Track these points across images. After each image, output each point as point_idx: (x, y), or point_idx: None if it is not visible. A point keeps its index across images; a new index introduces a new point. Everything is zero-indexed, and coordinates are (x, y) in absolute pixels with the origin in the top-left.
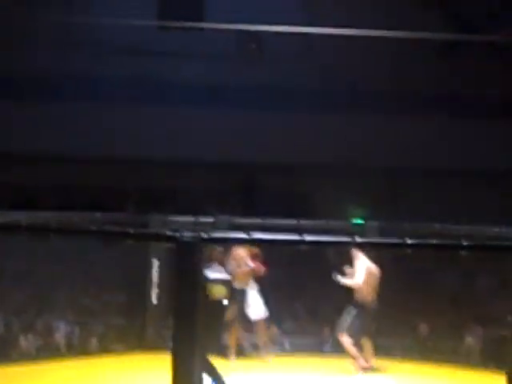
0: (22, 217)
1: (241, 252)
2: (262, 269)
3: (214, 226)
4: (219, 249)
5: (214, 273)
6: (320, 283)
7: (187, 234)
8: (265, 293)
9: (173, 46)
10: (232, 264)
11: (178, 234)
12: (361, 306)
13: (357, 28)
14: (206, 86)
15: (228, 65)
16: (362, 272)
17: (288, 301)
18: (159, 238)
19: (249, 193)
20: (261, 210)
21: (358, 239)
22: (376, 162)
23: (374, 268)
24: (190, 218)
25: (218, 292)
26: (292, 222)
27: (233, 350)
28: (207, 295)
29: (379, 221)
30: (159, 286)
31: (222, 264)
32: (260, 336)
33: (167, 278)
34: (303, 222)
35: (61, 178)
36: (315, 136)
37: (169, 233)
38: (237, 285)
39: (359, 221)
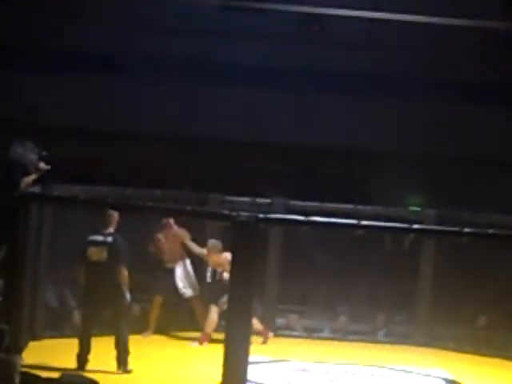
0: (80, 191)
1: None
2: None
3: (271, 208)
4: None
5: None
6: (375, 270)
7: (243, 214)
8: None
9: (235, 27)
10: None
11: (234, 214)
12: None
13: (420, 14)
14: (268, 68)
15: (290, 47)
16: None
17: (342, 287)
18: (216, 216)
19: (307, 177)
20: (318, 195)
21: (415, 226)
22: (437, 149)
23: None
24: (246, 199)
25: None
26: (349, 207)
27: (150, 325)
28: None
29: (438, 209)
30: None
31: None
32: (197, 313)
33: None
34: (360, 208)
35: (121, 154)
36: (377, 122)
37: (226, 212)
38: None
39: (417, 208)
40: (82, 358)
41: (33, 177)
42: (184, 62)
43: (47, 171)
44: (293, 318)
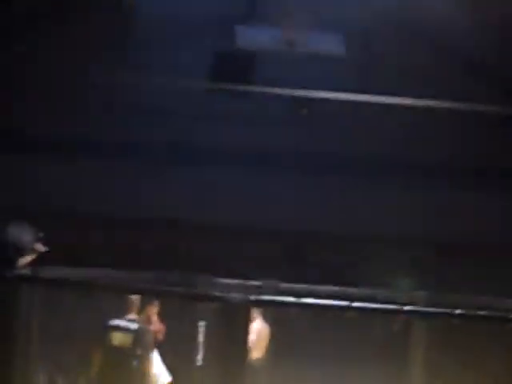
0: (69, 274)
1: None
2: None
3: (262, 290)
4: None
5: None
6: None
7: (236, 296)
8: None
9: (221, 109)
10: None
11: (226, 295)
12: None
13: (408, 97)
14: (255, 151)
15: (277, 130)
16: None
17: (333, 371)
18: (207, 298)
19: (297, 260)
20: (309, 277)
21: (406, 308)
22: (426, 233)
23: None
24: (237, 281)
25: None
26: (339, 289)
27: None
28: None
29: (428, 291)
30: (205, 346)
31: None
32: None
33: (213, 339)
34: (351, 290)
35: (111, 238)
36: (366, 206)
37: (217, 294)
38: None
39: (407, 290)
40: None
41: (28, 258)
42: (169, 146)
43: (43, 253)
44: None
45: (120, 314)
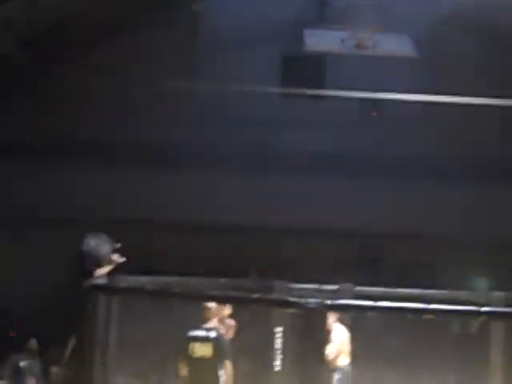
0: (146, 282)
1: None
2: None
3: (338, 294)
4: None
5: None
6: (444, 355)
7: (312, 301)
8: None
9: (295, 114)
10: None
11: (303, 301)
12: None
13: (475, 96)
14: (326, 155)
15: (349, 132)
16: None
17: (412, 373)
18: (284, 304)
19: (373, 262)
20: (385, 280)
21: (484, 309)
22: (504, 234)
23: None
24: (313, 286)
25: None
26: (415, 291)
27: None
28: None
29: (506, 291)
30: (282, 352)
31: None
32: None
33: (290, 344)
34: (427, 292)
35: (188, 245)
36: (443, 207)
37: (293, 299)
38: None
39: (484, 290)
40: None
41: (105, 269)
42: (245, 151)
43: (121, 263)
44: None
45: (198, 323)
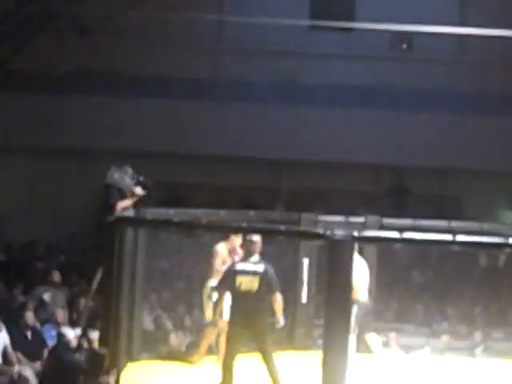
0: (173, 214)
1: (221, 248)
2: None
3: (365, 226)
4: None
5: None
6: (471, 286)
7: (339, 233)
8: None
9: (323, 46)
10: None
11: (329, 232)
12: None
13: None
14: (355, 88)
15: (378, 65)
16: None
17: (439, 303)
18: (311, 235)
19: (400, 195)
20: (412, 212)
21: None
22: None
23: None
24: (340, 218)
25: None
26: (443, 223)
27: (202, 353)
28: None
29: None
30: (309, 284)
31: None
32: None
33: (317, 276)
34: (454, 224)
35: (213, 178)
36: (468, 139)
37: (321, 231)
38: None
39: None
40: None
41: (128, 201)
42: (273, 83)
43: (143, 196)
44: (391, 337)
45: (244, 258)
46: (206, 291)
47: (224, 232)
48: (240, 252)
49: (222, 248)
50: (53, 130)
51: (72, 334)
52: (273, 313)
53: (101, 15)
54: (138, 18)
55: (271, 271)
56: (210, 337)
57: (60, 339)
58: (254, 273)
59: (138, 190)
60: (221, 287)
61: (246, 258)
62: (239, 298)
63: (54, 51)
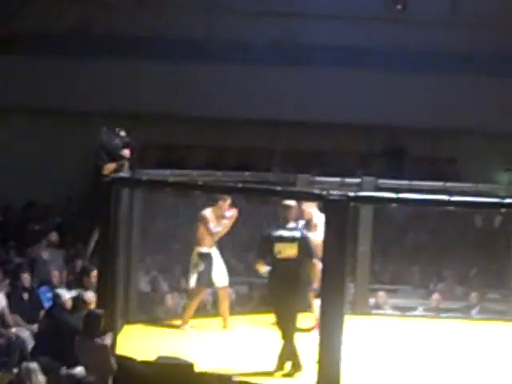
0: (169, 175)
1: (208, 213)
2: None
3: (360, 187)
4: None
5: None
6: (467, 247)
7: (335, 193)
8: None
9: (319, 6)
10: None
11: (325, 193)
12: None
13: None
14: (350, 49)
15: (373, 26)
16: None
17: (434, 264)
18: (307, 196)
19: (395, 156)
20: (407, 174)
21: (507, 200)
22: None
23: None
24: (336, 179)
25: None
26: (438, 184)
27: (186, 321)
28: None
29: None
30: None
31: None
32: (223, 304)
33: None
34: (449, 185)
35: (210, 139)
36: (463, 99)
37: (316, 191)
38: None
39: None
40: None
41: (114, 164)
42: (269, 45)
43: (132, 158)
44: (381, 296)
45: (280, 224)
46: (194, 258)
47: (220, 193)
48: (228, 216)
49: (208, 213)
50: (51, 91)
51: (67, 295)
52: (309, 279)
53: None
54: None
55: (308, 237)
56: (196, 301)
57: (56, 300)
58: (293, 239)
59: (125, 153)
60: (259, 255)
61: (281, 223)
62: (278, 265)
63: (52, 12)
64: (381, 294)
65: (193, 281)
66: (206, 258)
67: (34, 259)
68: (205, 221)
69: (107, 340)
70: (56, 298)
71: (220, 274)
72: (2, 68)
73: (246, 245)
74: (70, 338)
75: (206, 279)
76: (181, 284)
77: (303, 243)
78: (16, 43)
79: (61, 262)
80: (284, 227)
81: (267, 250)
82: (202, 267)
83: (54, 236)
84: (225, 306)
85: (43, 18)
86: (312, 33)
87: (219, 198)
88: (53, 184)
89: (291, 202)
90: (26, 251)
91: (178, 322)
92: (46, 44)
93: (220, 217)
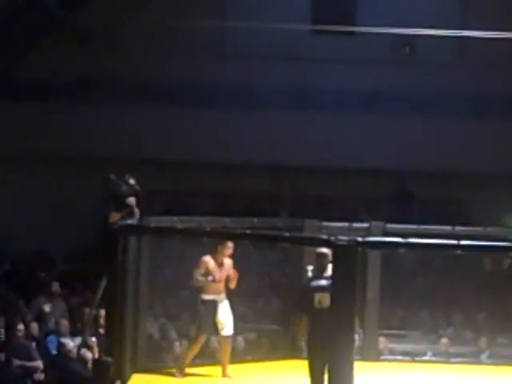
0: (177, 222)
1: (207, 259)
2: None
3: (369, 232)
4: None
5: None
6: (475, 291)
7: (343, 238)
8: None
9: (325, 51)
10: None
11: (333, 238)
12: None
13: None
14: (359, 93)
15: (381, 70)
16: None
17: (443, 309)
18: (315, 241)
19: (403, 200)
20: (415, 218)
21: None
22: None
23: None
24: (344, 224)
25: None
26: (447, 228)
27: (183, 366)
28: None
29: None
30: None
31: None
32: (224, 352)
33: None
34: (458, 229)
35: (216, 185)
36: (470, 143)
37: (324, 237)
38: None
39: None
40: None
41: (121, 212)
42: (275, 89)
43: (138, 205)
44: (381, 341)
45: (316, 273)
46: (198, 305)
47: (228, 239)
48: (227, 262)
49: (208, 259)
50: (54, 139)
51: (72, 343)
52: None
53: (101, 23)
54: (139, 26)
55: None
56: (195, 347)
57: (60, 349)
58: (330, 288)
59: (131, 201)
60: (299, 306)
61: (318, 272)
62: (319, 315)
63: (54, 60)
64: (381, 339)
65: (193, 327)
66: (208, 304)
67: (37, 309)
68: (201, 265)
69: None
70: (60, 346)
71: (225, 323)
72: (3, 115)
73: (255, 291)
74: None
75: (206, 325)
76: (190, 331)
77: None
78: (18, 91)
79: (64, 310)
80: (321, 276)
81: (307, 301)
82: (202, 312)
83: (55, 285)
84: (225, 354)
85: (46, 66)
86: (319, 77)
87: (218, 244)
88: (63, 233)
89: (326, 250)
90: (31, 301)
91: (176, 371)
92: (48, 91)
93: (221, 263)
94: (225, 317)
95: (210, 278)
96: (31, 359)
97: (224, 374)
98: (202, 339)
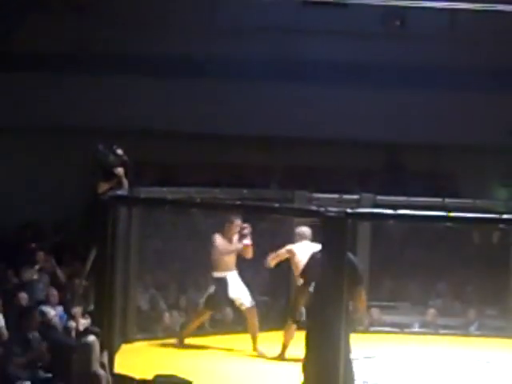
0: (167, 193)
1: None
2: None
3: (359, 204)
4: None
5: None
6: (464, 263)
7: (332, 209)
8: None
9: (315, 23)
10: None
11: (323, 209)
12: None
13: (504, 3)
14: (349, 65)
15: (371, 42)
16: None
17: (432, 281)
18: (305, 213)
19: (393, 172)
20: (404, 190)
21: (505, 216)
22: None
23: None
24: (334, 196)
25: None
26: (437, 200)
27: (182, 339)
28: None
29: None
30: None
31: None
32: (251, 325)
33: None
34: (448, 201)
35: (208, 155)
36: (463, 115)
37: (314, 208)
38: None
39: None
40: None
41: (109, 182)
42: (264, 61)
43: (126, 176)
44: (374, 313)
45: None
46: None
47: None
48: (235, 239)
49: (217, 237)
50: (40, 110)
51: (52, 312)
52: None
53: None
54: None
55: (354, 262)
56: (197, 321)
57: (42, 318)
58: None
59: (118, 171)
60: (309, 276)
61: None
62: None
63: (51, 31)
64: (374, 310)
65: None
66: (219, 282)
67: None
68: (213, 243)
69: (104, 359)
70: (41, 315)
71: (241, 297)
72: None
73: (244, 263)
74: (66, 357)
75: (213, 303)
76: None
77: (350, 269)
78: (13, 62)
79: (46, 281)
80: None
81: (316, 272)
82: (212, 289)
83: (42, 256)
84: (253, 327)
85: (41, 37)
86: (310, 49)
87: (225, 222)
88: (52, 203)
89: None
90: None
91: (175, 341)
92: (44, 62)
93: (231, 239)
94: (238, 291)
95: (239, 244)
96: None
97: (255, 348)
98: (207, 315)
